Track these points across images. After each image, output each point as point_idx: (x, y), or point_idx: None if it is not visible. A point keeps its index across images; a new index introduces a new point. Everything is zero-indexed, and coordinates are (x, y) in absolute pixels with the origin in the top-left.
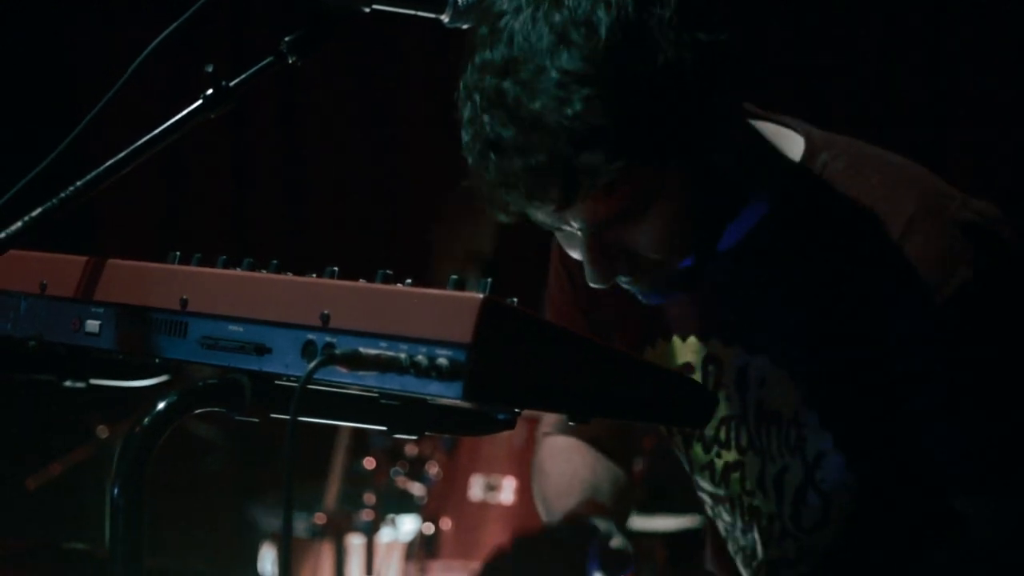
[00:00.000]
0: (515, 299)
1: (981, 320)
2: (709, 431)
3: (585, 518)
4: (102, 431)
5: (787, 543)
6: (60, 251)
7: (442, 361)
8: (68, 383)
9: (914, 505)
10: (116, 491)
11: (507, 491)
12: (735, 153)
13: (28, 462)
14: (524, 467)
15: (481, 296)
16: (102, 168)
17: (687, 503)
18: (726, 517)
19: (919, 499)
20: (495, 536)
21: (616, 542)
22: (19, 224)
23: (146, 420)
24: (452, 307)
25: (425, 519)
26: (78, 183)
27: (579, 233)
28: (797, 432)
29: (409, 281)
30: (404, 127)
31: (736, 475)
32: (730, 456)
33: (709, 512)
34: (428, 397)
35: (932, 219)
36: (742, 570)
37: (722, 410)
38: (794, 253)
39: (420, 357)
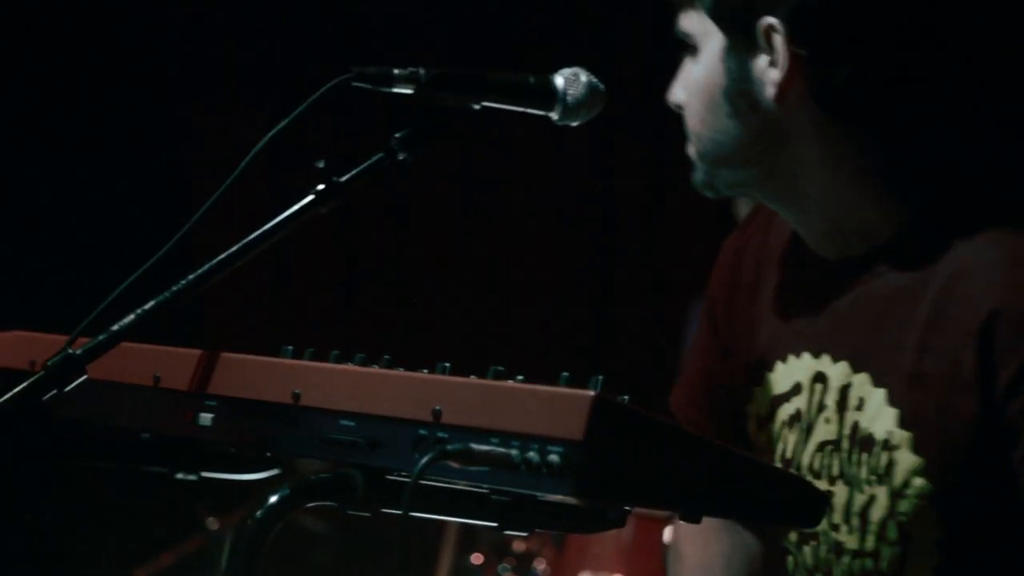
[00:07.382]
0: (626, 396)
1: None
2: (806, 459)
3: None
4: (211, 523)
5: None
6: (172, 344)
7: (553, 458)
8: (180, 475)
9: (995, 565)
10: None
11: None
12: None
13: (137, 552)
14: (632, 564)
15: (593, 393)
16: (214, 262)
17: None
18: (808, 561)
19: (1001, 557)
20: None
21: None
22: (132, 317)
23: (259, 513)
24: (563, 404)
25: None
26: (190, 276)
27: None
28: (888, 457)
29: (520, 377)
30: (512, 223)
31: None
32: (822, 486)
33: (789, 567)
34: (538, 494)
35: None
36: None
37: (820, 435)
38: (920, 274)
39: (531, 454)
